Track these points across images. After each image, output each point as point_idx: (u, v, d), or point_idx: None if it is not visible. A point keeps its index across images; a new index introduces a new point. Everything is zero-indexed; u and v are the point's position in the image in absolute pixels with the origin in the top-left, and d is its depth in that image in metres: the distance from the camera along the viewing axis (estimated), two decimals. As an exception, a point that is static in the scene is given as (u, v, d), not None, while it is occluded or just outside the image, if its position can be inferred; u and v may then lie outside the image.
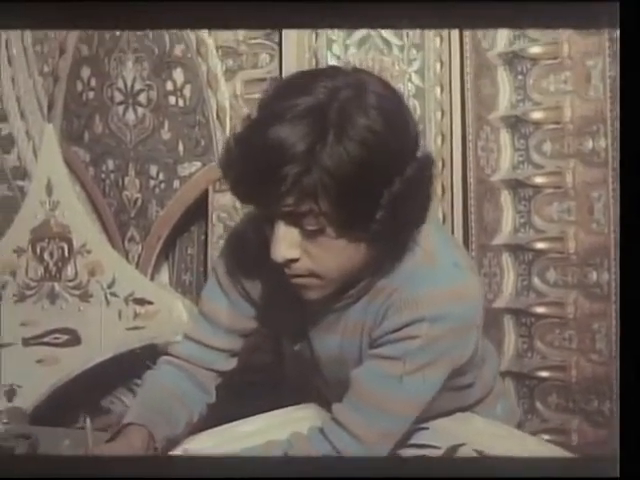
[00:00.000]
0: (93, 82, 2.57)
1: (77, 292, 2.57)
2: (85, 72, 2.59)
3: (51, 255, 2.59)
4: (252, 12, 1.10)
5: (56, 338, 2.24)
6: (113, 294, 2.54)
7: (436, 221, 1.85)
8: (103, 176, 2.60)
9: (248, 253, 1.43)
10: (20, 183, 2.67)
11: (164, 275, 2.72)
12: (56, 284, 2.59)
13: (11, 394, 1.91)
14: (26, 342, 2.20)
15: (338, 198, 1.16)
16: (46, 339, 2.23)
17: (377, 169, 1.17)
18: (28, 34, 2.70)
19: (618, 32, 1.08)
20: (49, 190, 2.56)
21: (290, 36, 2.28)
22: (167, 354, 1.61)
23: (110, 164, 2.57)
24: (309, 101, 1.17)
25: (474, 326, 1.36)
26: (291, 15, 1.16)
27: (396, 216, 1.20)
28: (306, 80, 1.24)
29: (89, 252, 2.56)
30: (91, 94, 2.58)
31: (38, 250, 2.59)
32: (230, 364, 1.57)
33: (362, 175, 1.15)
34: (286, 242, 1.22)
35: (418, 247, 1.31)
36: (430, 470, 1.21)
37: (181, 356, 1.57)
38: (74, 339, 2.24)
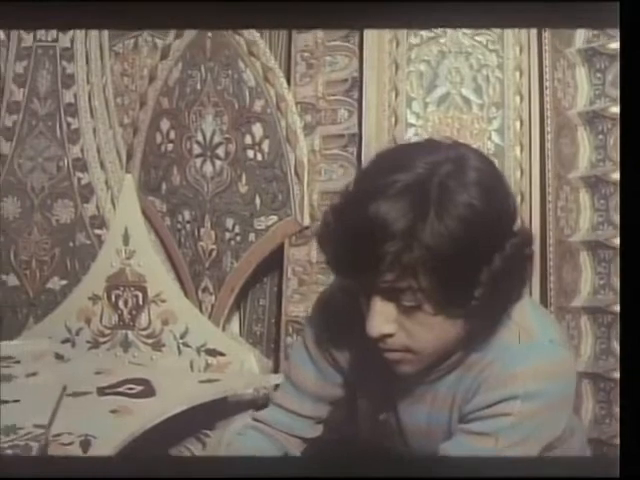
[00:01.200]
0: (172, 134, 2.62)
1: (150, 341, 2.59)
2: (165, 124, 2.63)
3: (126, 303, 2.61)
4: (262, 11, 1.09)
5: (130, 388, 2.25)
6: (185, 344, 2.55)
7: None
8: (179, 226, 2.63)
9: (338, 322, 1.42)
10: (98, 232, 2.71)
11: (235, 325, 2.74)
12: (130, 332, 2.62)
13: (86, 445, 1.91)
14: (101, 391, 2.21)
15: (438, 275, 1.14)
16: (121, 389, 2.24)
17: (477, 246, 1.15)
18: (109, 85, 2.76)
19: (618, 32, 1.08)
20: (126, 239, 2.60)
21: (370, 92, 2.29)
22: (254, 419, 1.60)
23: (186, 215, 2.60)
24: (409, 177, 1.16)
25: (568, 403, 1.33)
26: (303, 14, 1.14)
27: (495, 293, 1.18)
28: (405, 154, 1.24)
29: (163, 301, 2.58)
30: (170, 146, 2.62)
31: (113, 298, 2.63)
32: (316, 431, 1.56)
33: (462, 252, 1.14)
34: (382, 317, 1.20)
35: (512, 322, 1.29)
36: (431, 470, 1.21)
37: (267, 422, 1.56)
38: (148, 390, 2.25)
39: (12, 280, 2.81)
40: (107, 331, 2.64)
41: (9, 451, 1.86)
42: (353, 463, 1.30)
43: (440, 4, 1.05)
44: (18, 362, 2.40)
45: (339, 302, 1.41)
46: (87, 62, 2.71)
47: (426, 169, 1.17)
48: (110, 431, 1.99)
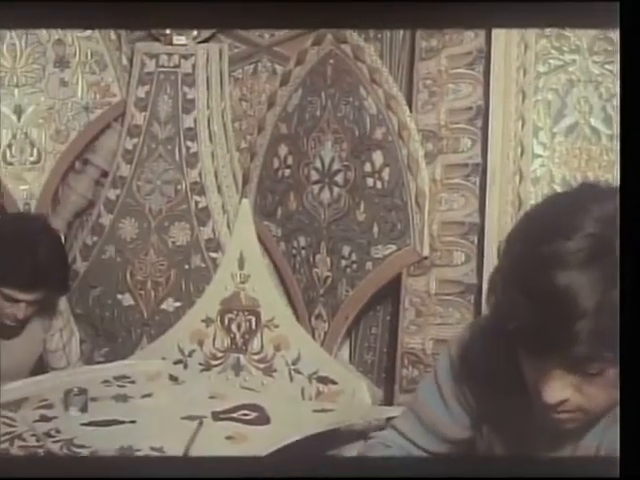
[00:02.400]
0: (290, 160, 2.62)
1: (262, 366, 2.59)
2: (282, 150, 2.64)
3: (239, 327, 2.62)
4: (257, 12, 1.02)
5: (245, 414, 2.24)
6: (297, 371, 2.54)
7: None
8: (294, 252, 2.62)
9: (482, 369, 1.37)
10: (213, 255, 2.72)
11: (345, 353, 2.71)
12: (242, 356, 2.62)
13: (204, 471, 1.91)
14: (216, 416, 2.21)
15: None
16: (235, 415, 2.23)
17: None
18: (228, 110, 2.78)
19: (618, 32, 1.05)
20: (241, 263, 2.61)
21: (496, 121, 2.24)
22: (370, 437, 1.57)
23: (302, 241, 2.59)
24: (588, 240, 1.08)
25: None
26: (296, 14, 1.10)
27: None
28: (567, 207, 1.15)
29: (276, 327, 2.58)
30: (287, 171, 2.62)
31: (226, 321, 2.63)
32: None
33: None
34: (561, 384, 1.13)
35: None
36: (431, 470, 1.15)
37: (387, 443, 1.53)
38: (263, 417, 2.24)
39: (127, 300, 2.85)
40: (219, 354, 2.65)
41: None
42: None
43: (440, 4, 1.01)
44: (133, 382, 2.42)
45: (486, 350, 1.35)
46: (207, 87, 2.74)
47: (600, 227, 1.09)
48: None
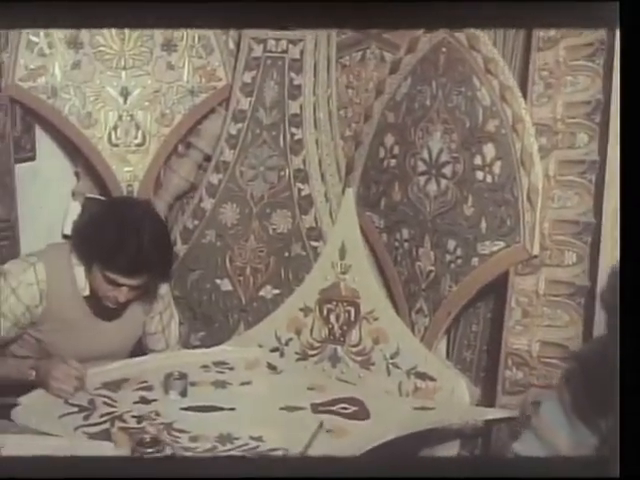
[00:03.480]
0: (396, 150, 2.56)
1: (359, 358, 2.54)
2: (389, 139, 2.58)
3: (337, 318, 2.58)
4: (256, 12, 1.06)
5: (344, 408, 2.21)
6: (395, 365, 2.49)
7: None
8: (396, 244, 2.57)
9: (603, 383, 1.29)
10: (314, 244, 2.69)
11: (442, 348, 2.65)
12: (339, 347, 2.58)
13: (303, 464, 1.89)
14: (315, 408, 2.18)
15: None
16: (334, 408, 2.20)
17: None
18: (334, 97, 2.74)
19: (618, 32, 1.09)
20: (342, 253, 2.57)
21: (617, 117, 2.14)
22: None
23: (405, 233, 2.54)
24: None
25: None
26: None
27: None
28: None
29: (376, 319, 2.53)
30: (393, 161, 2.57)
31: (325, 311, 2.60)
32: None
33: None
34: None
35: None
36: (431, 470, 1.17)
37: None
38: (362, 412, 2.20)
39: (226, 285, 2.84)
40: (317, 344, 2.62)
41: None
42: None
43: (440, 4, 1.04)
44: (232, 369, 2.42)
45: (602, 360, 1.27)
46: (315, 74, 2.70)
47: None
48: (325, 451, 1.95)
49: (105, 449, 1.59)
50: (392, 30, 2.63)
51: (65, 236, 3.03)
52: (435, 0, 1.04)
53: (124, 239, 2.11)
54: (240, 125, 2.80)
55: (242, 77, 2.82)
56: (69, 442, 1.67)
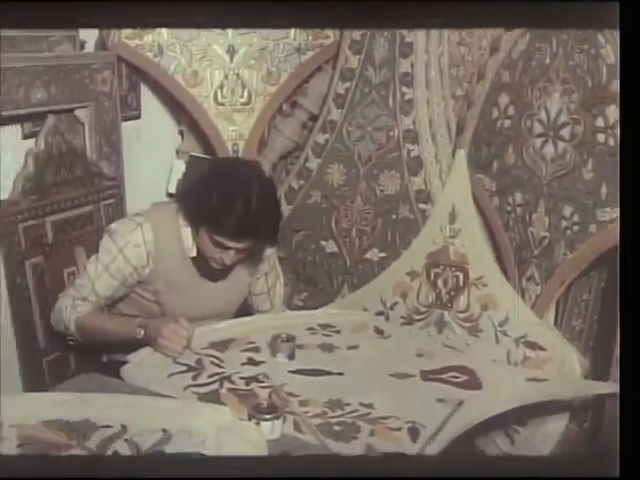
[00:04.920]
0: (511, 110, 2.46)
1: (467, 325, 2.49)
2: (503, 99, 2.48)
3: (445, 283, 2.52)
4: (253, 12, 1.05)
5: (455, 377, 2.15)
6: (504, 333, 2.42)
7: None
8: (509, 209, 2.48)
9: None
10: (422, 206, 2.63)
11: (550, 316, 2.55)
12: (446, 313, 2.53)
13: (414, 433, 1.84)
14: (425, 376, 2.13)
15: None
16: (445, 376, 2.15)
17: None
18: (446, 55, 2.64)
19: (618, 32, 1.07)
20: (452, 217, 2.50)
21: None
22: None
23: (518, 197, 2.45)
24: None
25: None
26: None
27: None
28: None
29: (485, 285, 2.46)
30: (507, 122, 2.47)
31: (432, 276, 2.55)
32: None
33: None
34: None
35: None
36: (431, 470, 1.17)
37: None
38: (474, 381, 2.13)
39: (331, 246, 2.81)
40: (423, 309, 2.57)
41: (336, 427, 1.83)
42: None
43: (439, 4, 1.03)
44: (338, 332, 2.38)
45: None
46: (427, 30, 2.61)
47: None
48: (438, 421, 1.91)
49: (222, 414, 1.57)
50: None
51: (169, 194, 3.04)
52: (437, 0, 1.04)
53: (232, 202, 2.07)
54: (348, 84, 2.74)
55: (351, 34, 2.74)
56: (182, 405, 1.65)
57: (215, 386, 2.00)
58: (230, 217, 2.07)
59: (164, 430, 1.49)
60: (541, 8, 1.02)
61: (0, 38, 2.21)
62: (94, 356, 2.45)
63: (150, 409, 1.58)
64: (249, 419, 1.63)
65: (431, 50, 2.62)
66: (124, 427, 1.49)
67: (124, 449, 1.42)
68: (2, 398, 1.62)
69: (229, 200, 2.07)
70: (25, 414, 1.52)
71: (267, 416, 1.62)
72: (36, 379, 2.44)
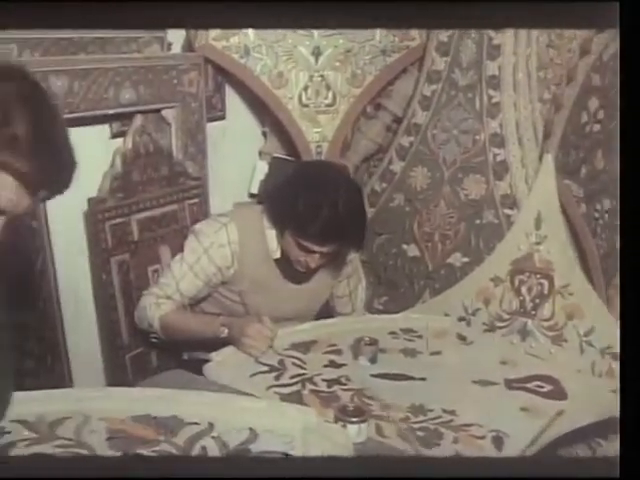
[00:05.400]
0: (601, 114, 2.40)
1: (551, 334, 2.43)
2: (593, 103, 2.43)
3: (529, 290, 2.48)
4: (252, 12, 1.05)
5: (539, 386, 2.11)
6: (589, 343, 2.36)
7: None
8: (596, 215, 2.43)
9: None
10: (508, 212, 2.58)
11: (639, 327, 2.48)
12: (530, 321, 2.48)
13: (499, 442, 1.80)
14: (509, 384, 2.10)
15: None
16: (529, 385, 2.10)
17: None
18: (534, 57, 2.59)
19: (618, 32, 1.06)
20: (538, 223, 2.45)
21: None
22: None
23: (606, 204, 2.39)
24: None
25: None
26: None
27: None
28: None
29: (570, 294, 2.41)
30: (596, 126, 2.42)
31: (516, 283, 2.50)
32: None
33: None
34: None
35: None
36: (430, 469, 1.17)
37: None
38: (559, 392, 2.09)
39: (412, 250, 2.78)
40: (506, 316, 2.52)
41: (419, 433, 1.81)
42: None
43: (439, 4, 1.03)
44: (420, 337, 2.36)
45: None
46: (515, 32, 2.57)
47: None
48: (522, 430, 1.87)
49: (308, 415, 1.56)
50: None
51: (251, 195, 3.06)
52: (437, 0, 1.04)
53: (319, 206, 2.07)
54: (434, 86, 2.71)
55: (437, 36, 2.72)
56: (267, 405, 1.65)
57: (297, 387, 2.00)
58: (317, 221, 2.06)
59: (250, 429, 1.49)
60: (541, 8, 1.03)
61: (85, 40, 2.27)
62: (175, 353, 2.48)
63: (236, 407, 1.59)
64: (335, 421, 1.62)
65: (519, 52, 2.57)
66: (211, 424, 1.50)
67: (212, 446, 1.42)
68: (90, 391, 1.65)
69: (316, 204, 2.06)
70: (113, 408, 1.54)
71: (354, 419, 1.61)
72: (119, 374, 2.48)
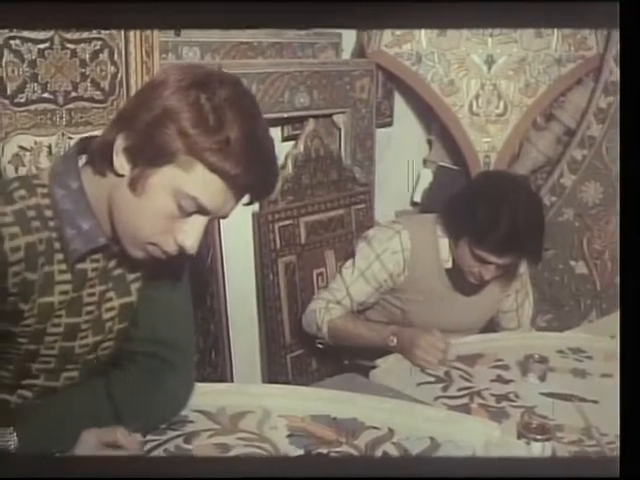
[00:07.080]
0: None
1: None
2: None
3: None
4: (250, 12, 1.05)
5: None
6: None
7: None
8: None
9: None
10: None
11: None
12: None
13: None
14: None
15: None
16: None
17: None
18: None
19: (618, 32, 1.07)
20: None
21: None
22: None
23: None
24: None
25: None
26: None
27: None
28: None
29: None
30: None
31: None
32: None
33: None
34: None
35: None
36: (429, 469, 1.18)
37: None
38: None
39: (580, 267, 2.70)
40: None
41: (593, 457, 1.73)
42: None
43: (439, 4, 1.03)
44: (590, 358, 2.27)
45: None
46: None
47: None
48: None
49: (492, 429, 1.53)
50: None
51: (414, 203, 3.04)
52: (437, 0, 1.04)
53: (499, 217, 2.02)
54: (611, 98, 2.63)
55: (617, 46, 2.63)
56: (448, 415, 1.63)
57: (465, 400, 1.95)
58: (495, 232, 2.02)
59: (431, 438, 1.47)
60: (541, 8, 1.03)
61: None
62: (336, 358, 2.49)
63: (417, 415, 1.57)
64: (518, 437, 1.58)
65: None
66: (391, 430, 1.48)
67: (393, 452, 1.41)
68: (269, 388, 1.67)
69: (496, 215, 2.02)
70: (292, 406, 1.55)
71: (539, 437, 1.56)
72: (278, 373, 2.51)
